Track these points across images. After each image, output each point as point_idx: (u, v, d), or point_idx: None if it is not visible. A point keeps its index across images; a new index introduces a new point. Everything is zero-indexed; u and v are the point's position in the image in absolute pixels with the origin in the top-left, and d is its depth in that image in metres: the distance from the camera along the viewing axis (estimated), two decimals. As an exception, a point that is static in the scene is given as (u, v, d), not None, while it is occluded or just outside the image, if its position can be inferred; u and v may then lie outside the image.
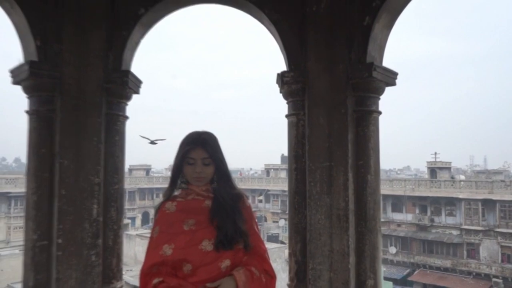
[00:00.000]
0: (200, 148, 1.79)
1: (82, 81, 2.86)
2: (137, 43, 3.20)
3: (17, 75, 2.89)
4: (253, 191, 47.34)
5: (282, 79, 2.93)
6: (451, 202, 35.38)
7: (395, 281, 31.76)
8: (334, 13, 2.82)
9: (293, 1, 2.99)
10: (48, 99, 2.83)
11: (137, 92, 3.20)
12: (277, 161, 54.96)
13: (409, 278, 34.16)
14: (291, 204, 2.93)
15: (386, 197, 37.83)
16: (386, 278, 29.18)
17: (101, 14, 2.97)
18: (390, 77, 2.91)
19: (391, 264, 36.04)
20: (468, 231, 33.88)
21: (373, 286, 2.73)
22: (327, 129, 2.75)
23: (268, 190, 47.35)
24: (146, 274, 1.72)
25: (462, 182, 36.89)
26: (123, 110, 3.10)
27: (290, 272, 2.93)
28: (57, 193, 2.75)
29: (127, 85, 3.01)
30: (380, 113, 2.89)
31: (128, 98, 3.12)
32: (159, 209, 1.86)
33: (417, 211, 37.25)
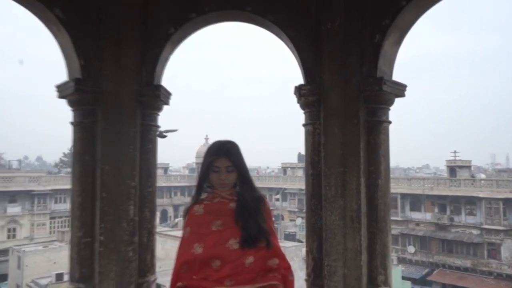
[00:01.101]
0: (223, 157, 1.99)
1: (119, 95, 3.17)
2: (167, 59, 3.49)
3: (62, 91, 3.23)
4: (270, 189, 47.35)
5: (299, 91, 3.16)
6: (471, 201, 34.84)
7: (414, 281, 31.51)
8: (347, 31, 3.04)
9: (309, 20, 3.21)
10: (90, 111, 3.15)
11: (167, 103, 3.49)
12: (294, 159, 54.84)
13: (428, 278, 33.81)
14: (308, 206, 3.18)
15: (404, 196, 37.53)
16: (404, 278, 29.00)
17: (135, 34, 3.26)
18: (400, 90, 3.12)
19: (410, 264, 35.71)
20: (488, 231, 33.31)
21: (384, 281, 2.95)
22: (341, 138, 2.98)
23: (285, 189, 47.37)
24: (178, 272, 1.94)
25: (482, 181, 36.27)
26: (155, 120, 3.40)
27: (307, 268, 3.17)
28: (99, 196, 3.07)
29: (159, 98, 3.30)
30: (390, 122, 3.11)
31: (160, 109, 3.41)
32: (188, 211, 2.07)
33: (436, 210, 36.79)
